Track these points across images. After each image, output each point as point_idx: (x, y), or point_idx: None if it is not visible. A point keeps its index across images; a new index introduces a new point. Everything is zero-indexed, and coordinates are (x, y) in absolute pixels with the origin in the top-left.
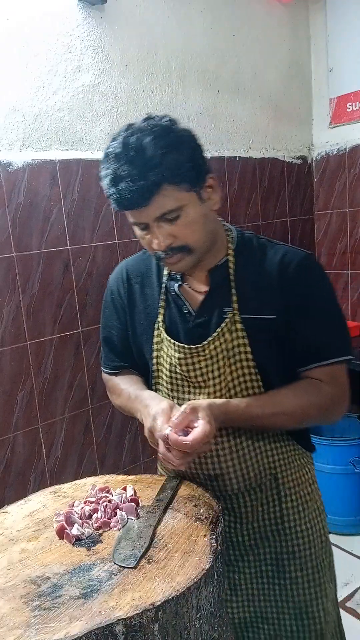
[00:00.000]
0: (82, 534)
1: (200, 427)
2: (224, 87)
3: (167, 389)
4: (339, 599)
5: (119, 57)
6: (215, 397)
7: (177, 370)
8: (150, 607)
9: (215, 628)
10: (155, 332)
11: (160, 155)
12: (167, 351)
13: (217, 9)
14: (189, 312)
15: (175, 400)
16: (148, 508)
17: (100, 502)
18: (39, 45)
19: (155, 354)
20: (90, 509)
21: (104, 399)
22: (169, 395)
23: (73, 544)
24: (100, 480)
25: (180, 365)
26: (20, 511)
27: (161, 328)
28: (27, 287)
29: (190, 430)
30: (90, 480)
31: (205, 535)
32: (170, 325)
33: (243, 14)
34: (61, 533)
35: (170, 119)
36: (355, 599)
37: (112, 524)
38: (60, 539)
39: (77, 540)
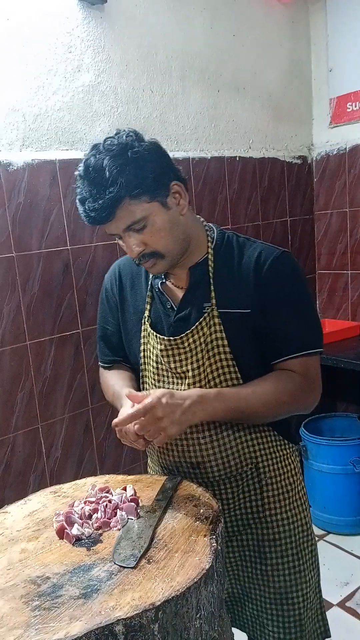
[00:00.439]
0: (82, 534)
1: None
2: (224, 87)
3: (154, 379)
4: (339, 599)
5: (119, 57)
6: (195, 387)
7: (162, 362)
8: (150, 607)
9: (215, 628)
10: (143, 327)
11: (116, 174)
12: (152, 344)
13: (217, 9)
14: (172, 307)
15: None
16: (148, 508)
17: (100, 502)
18: (39, 45)
19: (142, 347)
20: (90, 509)
21: (104, 399)
22: (155, 385)
23: (73, 544)
24: (100, 480)
25: (162, 356)
26: (20, 511)
27: (147, 323)
28: (27, 287)
29: None
30: (90, 480)
31: (205, 535)
32: (156, 320)
33: (243, 14)
34: (61, 533)
35: (132, 135)
36: (355, 599)
37: (112, 524)
38: (60, 539)
39: (77, 540)
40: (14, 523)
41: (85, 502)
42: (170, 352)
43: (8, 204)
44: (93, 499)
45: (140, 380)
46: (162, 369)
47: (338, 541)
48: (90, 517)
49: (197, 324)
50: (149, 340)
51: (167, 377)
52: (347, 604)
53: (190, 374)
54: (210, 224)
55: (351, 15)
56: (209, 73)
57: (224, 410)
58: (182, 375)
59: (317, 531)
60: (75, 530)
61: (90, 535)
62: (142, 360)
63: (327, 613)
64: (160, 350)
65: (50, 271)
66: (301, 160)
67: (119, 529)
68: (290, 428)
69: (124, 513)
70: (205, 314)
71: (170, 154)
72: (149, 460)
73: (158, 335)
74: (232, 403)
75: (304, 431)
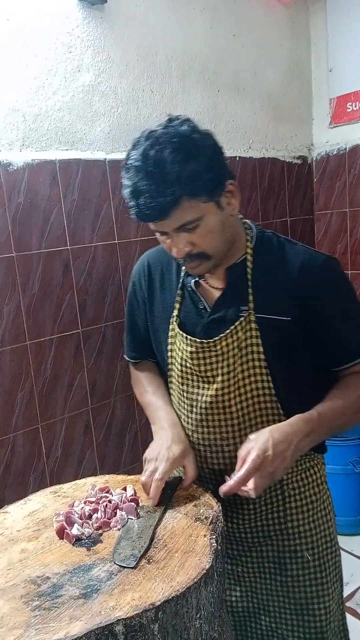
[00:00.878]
0: (82, 534)
1: (250, 448)
2: (224, 87)
3: (179, 382)
4: None
5: (119, 57)
6: (223, 393)
7: (188, 364)
8: (150, 607)
9: (215, 628)
10: (170, 327)
11: (178, 170)
12: (179, 345)
13: (217, 9)
14: (205, 307)
15: (185, 394)
16: (148, 508)
17: (100, 502)
18: (39, 45)
19: (169, 347)
20: (90, 509)
21: (104, 399)
22: (179, 388)
23: (73, 544)
24: (100, 480)
25: (191, 359)
26: (20, 511)
27: (175, 323)
28: (27, 287)
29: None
30: (90, 480)
31: (205, 535)
32: (185, 319)
33: (243, 14)
34: (61, 533)
35: (190, 125)
36: (355, 599)
37: (112, 523)
38: (60, 539)
39: (77, 540)
40: (14, 523)
41: (85, 502)
42: (200, 355)
43: (8, 204)
44: (93, 499)
45: (168, 380)
46: (187, 372)
47: (338, 541)
48: (90, 517)
49: (232, 327)
50: (175, 341)
51: (192, 380)
52: (347, 604)
53: (219, 378)
54: (248, 221)
55: (351, 15)
56: (209, 73)
57: (328, 432)
58: (210, 379)
59: None
60: (75, 530)
61: (90, 535)
62: (168, 360)
63: None
64: (190, 353)
65: (50, 271)
66: (301, 160)
67: (119, 529)
68: None
69: (123, 513)
70: (242, 318)
71: None
72: None
73: (189, 337)
74: (334, 422)
75: None
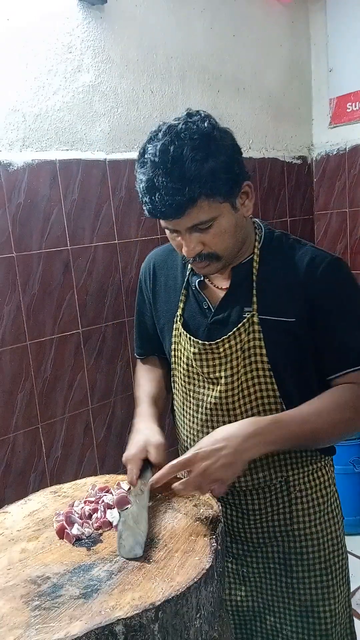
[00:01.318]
0: (82, 533)
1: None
2: (224, 87)
3: (184, 381)
4: None
5: (119, 57)
6: (228, 394)
7: (193, 365)
8: (150, 607)
9: (215, 628)
10: (175, 326)
11: (198, 169)
12: (184, 345)
13: (217, 9)
14: (209, 307)
15: (191, 394)
16: (135, 491)
17: (100, 502)
18: (39, 45)
19: (173, 346)
20: (90, 509)
21: (104, 399)
22: (185, 387)
23: (73, 544)
24: (100, 480)
25: (195, 360)
26: (21, 511)
27: (179, 322)
28: (27, 287)
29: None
30: (90, 480)
31: (205, 535)
32: (189, 319)
33: (243, 14)
34: (61, 533)
35: (211, 122)
36: (355, 599)
37: (113, 523)
38: (60, 538)
39: (77, 540)
40: (14, 523)
41: (85, 502)
42: (203, 357)
43: (8, 204)
44: (93, 499)
45: (172, 380)
46: (193, 372)
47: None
48: (90, 517)
49: (235, 329)
50: (180, 340)
51: (198, 380)
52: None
53: (223, 380)
54: (257, 220)
55: (351, 15)
56: (209, 73)
57: (286, 437)
58: (214, 381)
59: None
60: (75, 530)
61: (90, 535)
62: (172, 360)
63: None
64: (194, 354)
65: (50, 271)
66: (301, 161)
67: (116, 525)
68: None
69: (114, 510)
70: (245, 319)
71: None
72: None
73: (192, 337)
74: (294, 427)
75: None
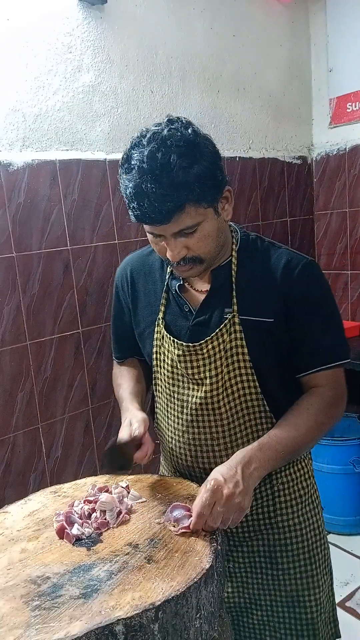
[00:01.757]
0: (82, 533)
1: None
2: (224, 87)
3: (168, 383)
4: (339, 599)
5: (119, 57)
6: (213, 394)
7: (178, 367)
8: (150, 607)
9: (215, 628)
10: (156, 329)
11: (185, 176)
12: (167, 347)
13: (217, 10)
14: (190, 310)
15: (176, 395)
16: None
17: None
18: (39, 45)
19: (155, 349)
20: (90, 509)
21: (104, 399)
22: (168, 389)
23: (73, 544)
24: (100, 480)
25: (179, 362)
26: (21, 511)
27: (161, 325)
28: (27, 287)
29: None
30: (90, 480)
31: (205, 535)
32: (171, 322)
33: (243, 14)
34: (61, 533)
35: (193, 129)
36: (355, 599)
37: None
38: (60, 538)
39: (77, 540)
40: (14, 523)
41: (85, 502)
42: (188, 358)
43: (8, 204)
44: (93, 499)
45: (153, 382)
46: (178, 374)
47: (338, 541)
48: (90, 516)
49: (217, 330)
50: (162, 343)
51: (182, 382)
52: (347, 604)
53: (207, 381)
54: (232, 224)
55: (351, 15)
56: (209, 73)
57: (276, 458)
58: (199, 382)
59: None
60: (75, 530)
61: (90, 535)
62: (154, 363)
63: None
64: (178, 356)
65: (50, 271)
66: (301, 161)
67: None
68: None
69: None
70: (227, 320)
71: None
72: (162, 459)
73: (175, 340)
74: (281, 447)
75: None
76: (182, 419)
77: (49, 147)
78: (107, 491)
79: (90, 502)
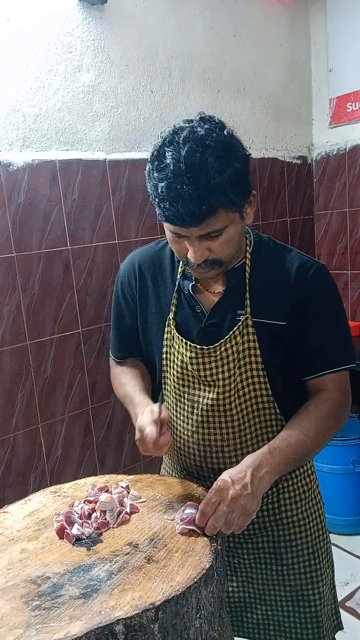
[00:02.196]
0: (82, 533)
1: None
2: (224, 87)
3: (178, 384)
4: (339, 598)
5: (119, 57)
6: (225, 396)
7: (189, 368)
8: (150, 607)
9: (215, 628)
10: (167, 329)
11: (221, 178)
12: (177, 348)
13: (217, 9)
14: (202, 311)
15: (186, 395)
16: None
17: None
18: (39, 45)
19: (165, 349)
20: (90, 509)
21: (104, 399)
22: (178, 389)
23: (73, 544)
24: (100, 480)
25: (191, 364)
26: (21, 511)
27: (172, 325)
28: (27, 287)
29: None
30: (90, 480)
31: (205, 535)
32: (182, 323)
33: (243, 14)
34: (61, 533)
35: (227, 130)
36: (355, 599)
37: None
38: (60, 538)
39: (77, 540)
40: (14, 523)
41: (85, 502)
42: (200, 360)
43: (8, 204)
44: (93, 499)
45: (162, 382)
46: (188, 375)
47: (338, 541)
48: (90, 516)
49: (231, 332)
50: (172, 344)
51: (193, 383)
52: (347, 604)
53: (220, 383)
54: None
55: (351, 15)
56: (209, 73)
57: (287, 462)
58: (211, 383)
59: None
60: (75, 530)
61: (90, 535)
62: (164, 363)
63: None
64: (190, 358)
65: (50, 271)
66: (301, 161)
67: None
68: None
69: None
70: (240, 323)
71: None
72: (165, 458)
73: (188, 342)
74: (291, 451)
75: None
76: (192, 419)
77: (49, 147)
78: (107, 491)
79: (90, 502)
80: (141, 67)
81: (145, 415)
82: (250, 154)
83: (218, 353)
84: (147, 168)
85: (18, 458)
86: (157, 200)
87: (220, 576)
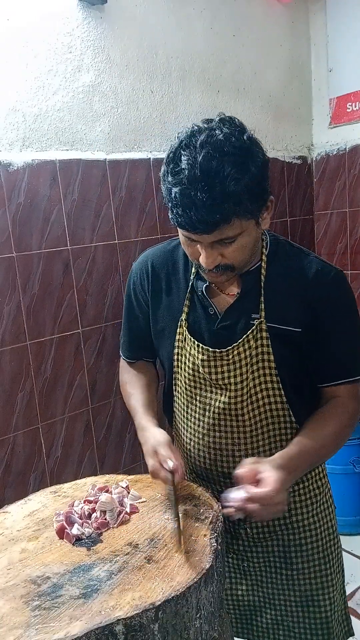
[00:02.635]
0: (82, 533)
1: (270, 475)
2: (224, 87)
3: (189, 386)
4: None
5: (119, 57)
6: (237, 400)
7: (200, 370)
8: (150, 607)
9: (215, 628)
10: (178, 330)
11: (237, 187)
12: (189, 350)
13: (217, 9)
14: (215, 313)
15: (198, 397)
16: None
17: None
18: (39, 45)
19: (176, 350)
20: (90, 509)
21: (104, 399)
22: (190, 391)
23: (73, 544)
24: (100, 480)
25: (203, 366)
26: (21, 511)
27: (184, 327)
28: (27, 287)
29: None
30: (90, 480)
31: (205, 535)
32: (194, 324)
33: (243, 14)
34: (61, 533)
35: (248, 135)
36: (355, 599)
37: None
38: (60, 538)
39: (77, 540)
40: (14, 523)
41: (85, 502)
42: (212, 363)
43: (8, 204)
44: (93, 499)
45: (173, 382)
46: (200, 377)
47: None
48: (90, 517)
49: (244, 336)
50: (184, 345)
51: (205, 385)
52: (348, 604)
53: (232, 387)
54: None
55: (351, 15)
56: (209, 73)
57: (304, 468)
58: (223, 387)
59: None
60: (75, 530)
61: (90, 535)
62: (175, 364)
63: None
64: (202, 361)
65: (50, 271)
66: (301, 161)
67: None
68: None
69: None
70: (254, 326)
71: None
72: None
73: (200, 344)
74: (309, 457)
75: None
76: (203, 422)
77: (49, 147)
78: (107, 491)
79: (90, 502)
80: (141, 67)
81: (150, 458)
82: (269, 159)
83: (230, 357)
84: (161, 170)
85: (18, 458)
86: (170, 204)
87: (220, 576)
